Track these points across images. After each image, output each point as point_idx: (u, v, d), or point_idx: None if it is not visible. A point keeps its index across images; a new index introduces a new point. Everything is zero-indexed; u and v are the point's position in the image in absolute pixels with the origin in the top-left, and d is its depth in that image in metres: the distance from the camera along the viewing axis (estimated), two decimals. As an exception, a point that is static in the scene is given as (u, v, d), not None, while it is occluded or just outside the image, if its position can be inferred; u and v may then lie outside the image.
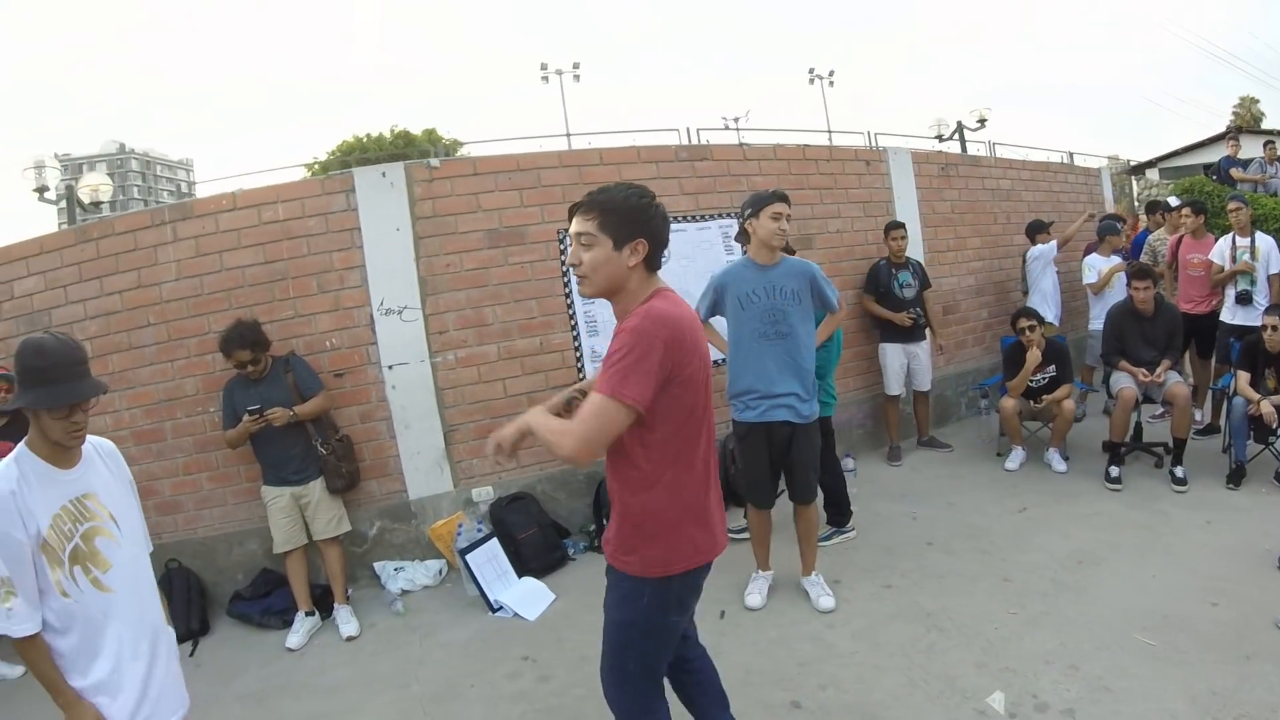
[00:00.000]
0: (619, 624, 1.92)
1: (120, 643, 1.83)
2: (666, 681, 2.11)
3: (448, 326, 4.25)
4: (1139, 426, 4.84)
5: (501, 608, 3.71)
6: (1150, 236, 6.52)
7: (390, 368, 4.21)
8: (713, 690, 2.25)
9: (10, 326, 4.30)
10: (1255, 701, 2.41)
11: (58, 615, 1.77)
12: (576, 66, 26.14)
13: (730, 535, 3.91)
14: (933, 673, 2.72)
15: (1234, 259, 5.03)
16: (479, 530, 4.05)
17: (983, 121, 8.21)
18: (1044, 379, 4.91)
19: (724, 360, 3.42)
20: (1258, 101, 29.01)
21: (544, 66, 25.63)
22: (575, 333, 4.57)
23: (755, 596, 3.40)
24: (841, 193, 5.40)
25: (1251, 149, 10.20)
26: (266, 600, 4.08)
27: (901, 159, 5.86)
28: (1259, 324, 4.43)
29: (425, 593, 4.08)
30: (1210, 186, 8.89)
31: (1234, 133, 11.91)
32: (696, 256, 4.68)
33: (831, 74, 25.30)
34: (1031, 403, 4.93)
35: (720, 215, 4.79)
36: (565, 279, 4.49)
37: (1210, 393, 5.36)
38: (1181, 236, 5.60)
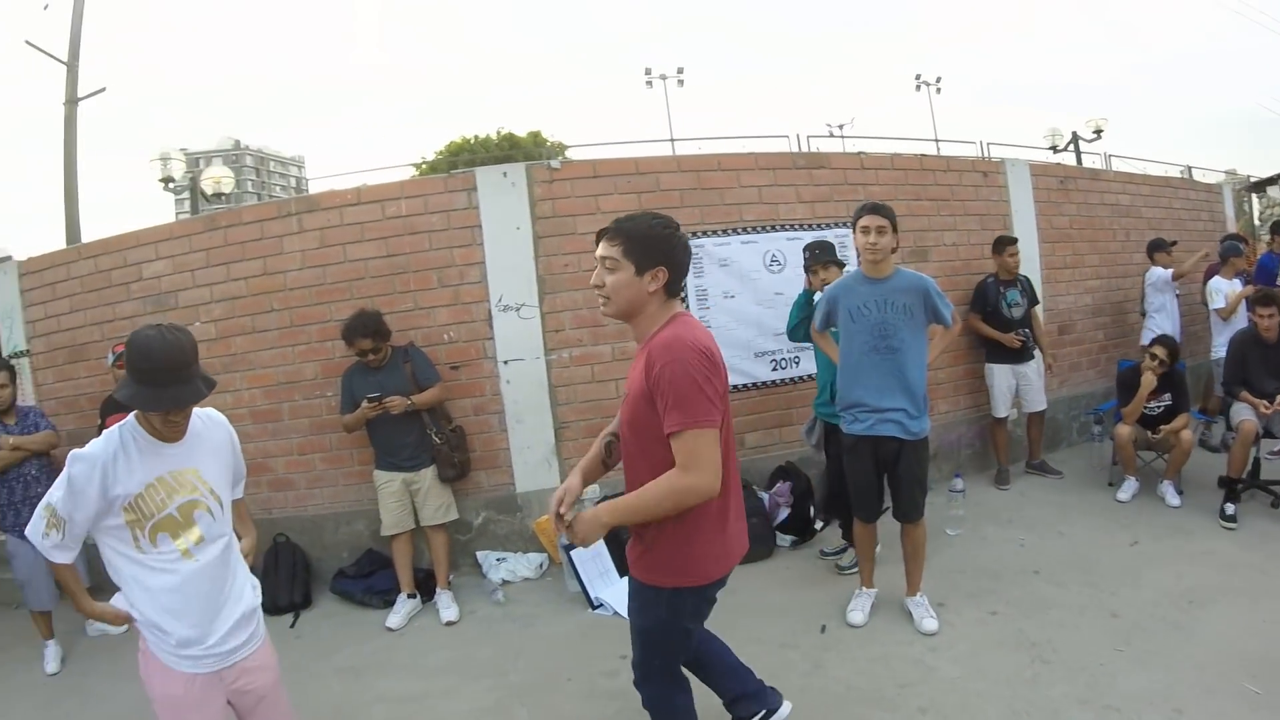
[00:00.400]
0: (641, 630, 2.08)
1: (198, 611, 1.89)
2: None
3: (564, 325, 4.29)
4: (1257, 462, 4.51)
5: (602, 605, 3.73)
6: None
7: (505, 363, 4.28)
8: (722, 666, 2.44)
9: (137, 306, 4.55)
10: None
11: (137, 572, 1.86)
12: (680, 71, 26.09)
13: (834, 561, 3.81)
14: (1035, 705, 2.63)
15: None
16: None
17: (1099, 132, 7.82)
18: (1159, 407, 4.64)
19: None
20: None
21: (648, 71, 25.74)
22: (689, 340, 4.52)
23: (858, 614, 3.34)
24: (958, 205, 5.21)
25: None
26: (369, 580, 4.21)
27: (1019, 171, 5.62)
28: None
29: (525, 584, 4.14)
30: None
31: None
32: (811, 267, 4.59)
33: (939, 80, 24.42)
34: (1149, 433, 4.66)
35: (836, 224, 4.68)
36: (682, 284, 4.44)
37: None
38: None
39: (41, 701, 3.43)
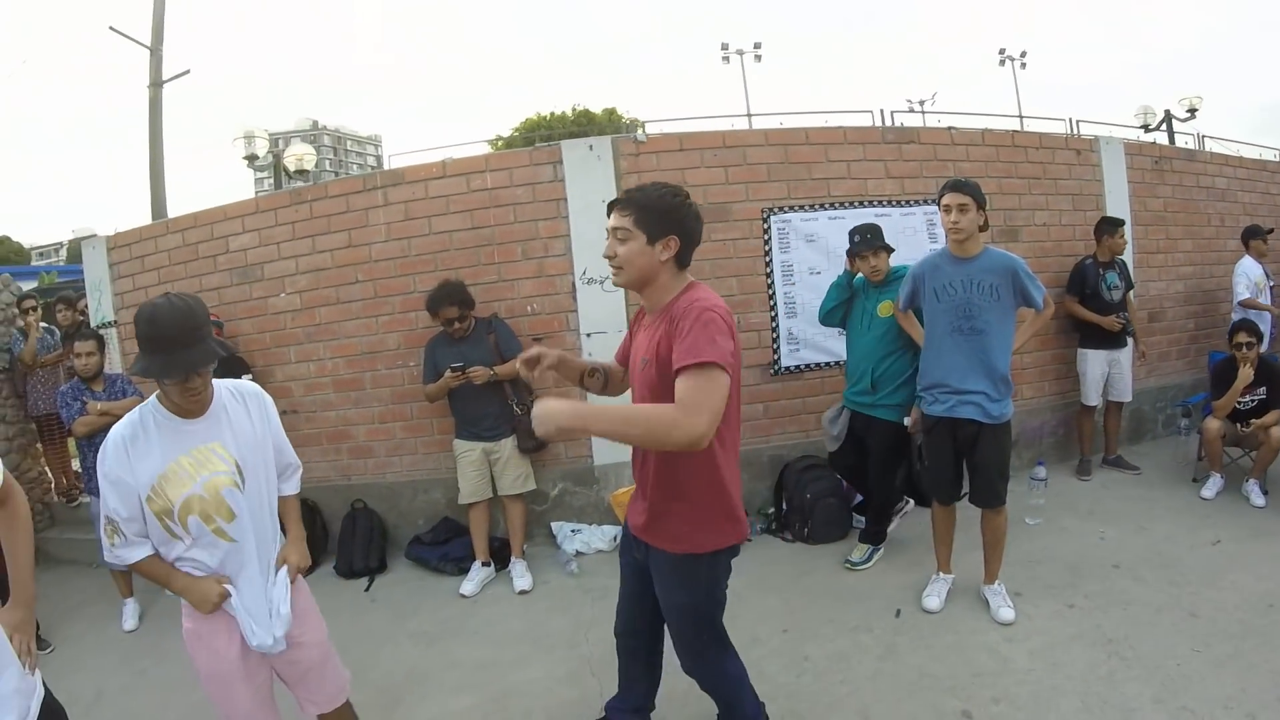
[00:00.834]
0: (684, 608, 2.06)
1: (233, 590, 1.88)
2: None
3: (647, 298, 4.23)
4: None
5: (676, 580, 3.71)
6: None
7: (589, 335, 4.28)
8: (650, 662, 2.42)
9: (224, 278, 4.69)
10: None
11: (178, 560, 1.85)
12: (758, 47, 25.65)
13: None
14: (1110, 702, 2.56)
15: None
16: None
17: (1193, 112, 7.43)
18: (1253, 401, 4.42)
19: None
20: None
21: (725, 46, 25.36)
22: (774, 314, 4.50)
23: (934, 599, 3.29)
24: (1050, 183, 5.01)
25: None
26: (445, 547, 4.27)
27: (1114, 149, 5.39)
28: None
29: (599, 556, 4.15)
30: None
31: None
32: (900, 244, 4.36)
33: (1024, 55, 23.36)
34: (1239, 426, 4.45)
35: (925, 201, 4.54)
36: (767, 259, 4.42)
37: None
38: None
39: (119, 658, 3.57)
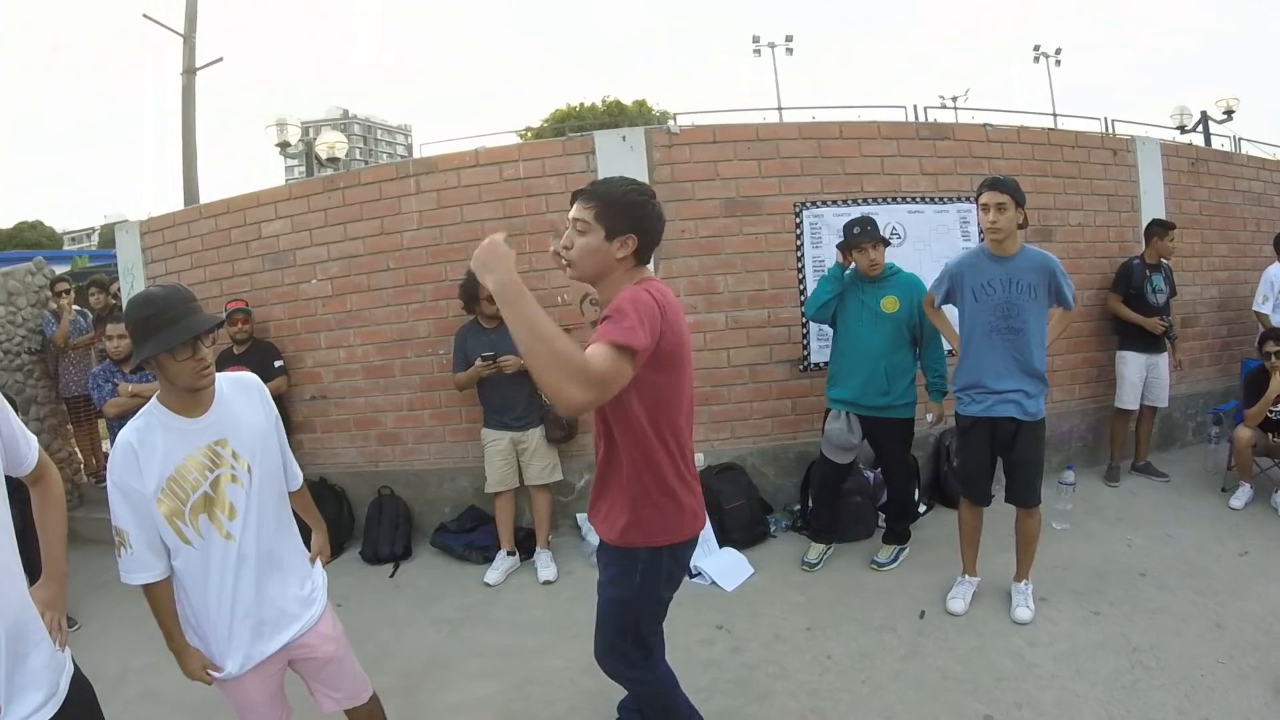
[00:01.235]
0: (614, 602, 2.03)
1: (234, 590, 1.83)
2: None
3: (678, 291, 4.24)
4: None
5: (700, 574, 3.71)
6: None
7: (618, 326, 4.25)
8: None
9: (256, 263, 4.74)
10: None
11: (185, 564, 1.80)
12: (789, 40, 25.38)
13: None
14: (1132, 711, 2.55)
15: None
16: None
17: (1230, 113, 7.29)
18: None
19: (951, 351, 3.31)
20: None
21: (756, 39, 25.07)
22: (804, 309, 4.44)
23: (958, 601, 3.27)
24: (1085, 183, 4.94)
25: None
26: (470, 535, 4.31)
27: (1150, 150, 5.30)
28: None
29: (624, 550, 4.15)
30: None
31: None
32: (933, 241, 4.43)
33: (1059, 52, 22.92)
34: (1270, 436, 4.38)
35: (959, 198, 4.50)
36: (798, 254, 4.40)
37: None
38: None
39: (144, 637, 3.50)
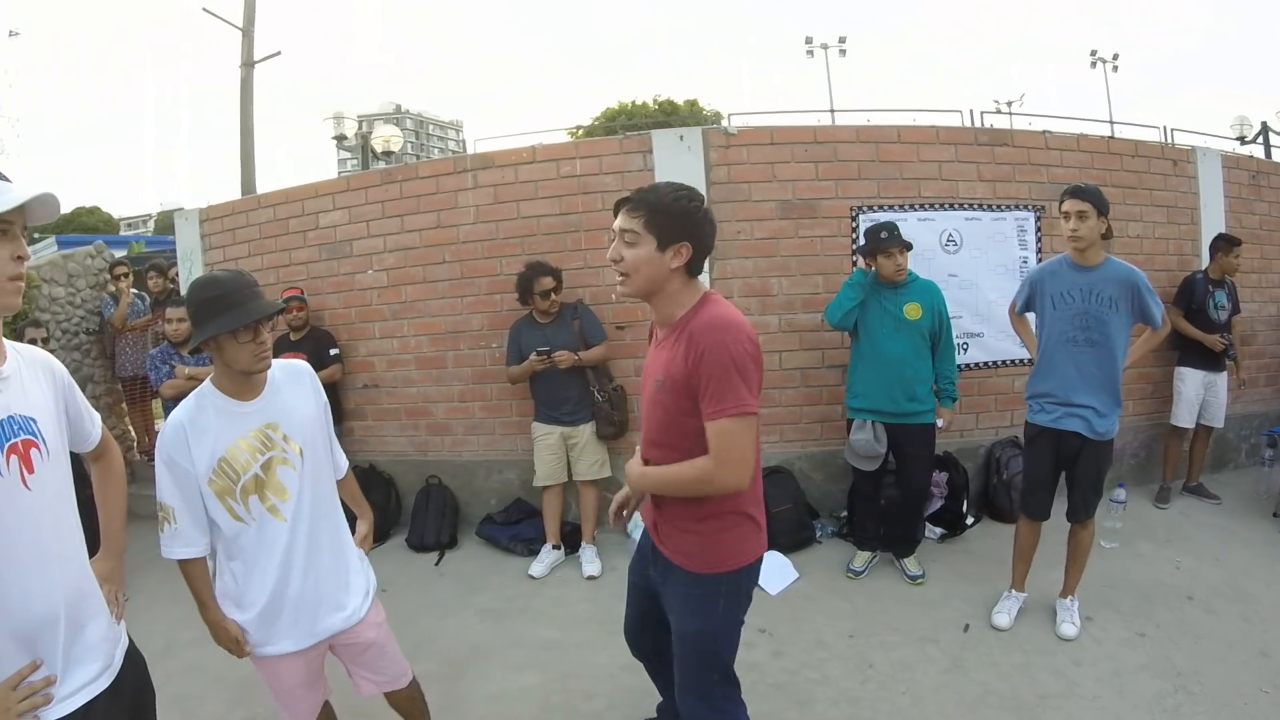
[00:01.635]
0: (697, 635, 1.89)
1: (284, 570, 1.85)
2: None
3: (732, 292, 4.25)
4: None
5: (744, 575, 3.71)
6: None
7: (670, 325, 4.27)
8: None
9: (313, 252, 4.84)
10: None
11: (229, 544, 1.83)
12: (843, 41, 25.53)
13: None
14: None
15: None
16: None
17: (1294, 127, 7.10)
18: None
19: (1029, 361, 3.27)
20: None
21: (809, 40, 25.36)
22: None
23: (1004, 616, 3.23)
24: (1145, 194, 4.84)
25: None
26: (516, 528, 4.36)
27: (1211, 161, 5.19)
28: None
29: (669, 548, 4.16)
30: None
31: None
32: (990, 249, 4.37)
33: (1116, 57, 22.51)
34: None
35: (1018, 206, 4.44)
36: (854, 257, 4.36)
37: None
38: None
39: (189, 611, 3.56)
